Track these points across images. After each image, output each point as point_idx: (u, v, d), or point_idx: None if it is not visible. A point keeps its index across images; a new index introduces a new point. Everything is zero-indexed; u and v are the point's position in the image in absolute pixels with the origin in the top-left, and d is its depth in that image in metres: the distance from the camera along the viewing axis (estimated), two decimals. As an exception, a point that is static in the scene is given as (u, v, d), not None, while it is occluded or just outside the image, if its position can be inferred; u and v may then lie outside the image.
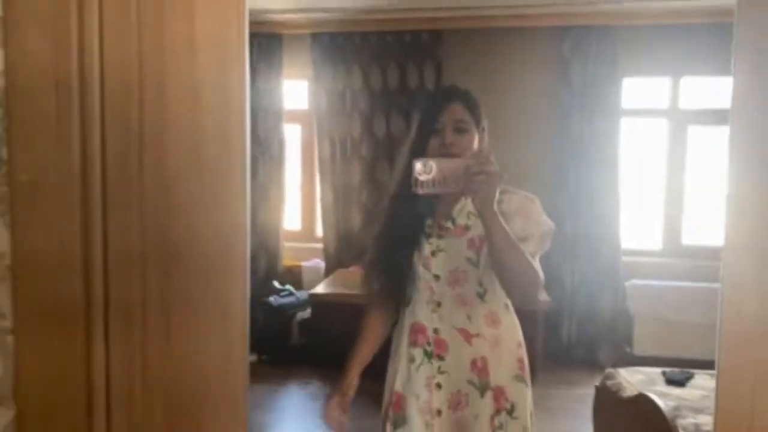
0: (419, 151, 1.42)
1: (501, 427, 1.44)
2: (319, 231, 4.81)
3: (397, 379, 1.48)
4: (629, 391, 2.39)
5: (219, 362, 0.73)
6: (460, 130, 1.42)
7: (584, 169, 4.40)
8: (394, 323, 1.58)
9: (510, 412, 1.45)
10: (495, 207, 1.28)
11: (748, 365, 0.74)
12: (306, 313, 4.33)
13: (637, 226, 4.60)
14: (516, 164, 4.05)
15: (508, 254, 1.31)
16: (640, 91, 4.53)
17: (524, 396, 1.47)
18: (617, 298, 4.41)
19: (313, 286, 4.20)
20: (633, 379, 2.52)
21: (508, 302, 1.48)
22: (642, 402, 2.21)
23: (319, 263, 4.71)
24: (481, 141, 1.46)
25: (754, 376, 0.74)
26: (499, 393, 1.45)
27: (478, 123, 1.46)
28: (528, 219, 1.44)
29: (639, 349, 4.38)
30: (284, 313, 4.17)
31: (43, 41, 0.69)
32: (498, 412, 1.45)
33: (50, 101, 0.69)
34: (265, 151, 4.66)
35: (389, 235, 1.47)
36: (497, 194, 1.28)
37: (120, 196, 0.71)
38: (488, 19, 4.26)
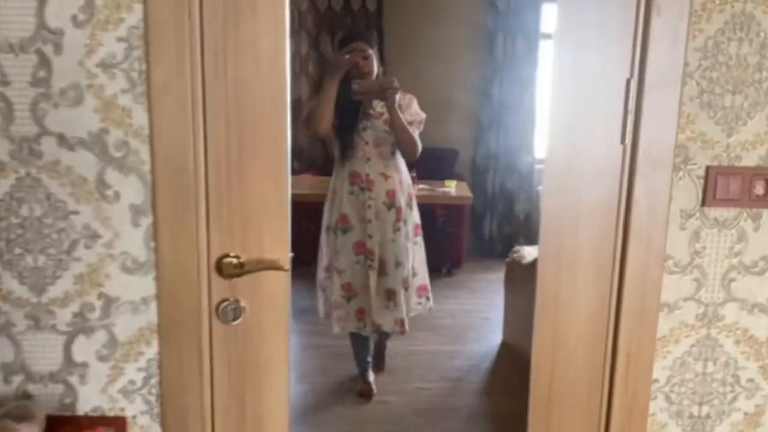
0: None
1: (398, 230, 2.82)
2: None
3: (343, 204, 2.77)
4: (529, 259, 3.13)
5: (273, 186, 1.32)
6: (365, 57, 2.68)
7: (506, 88, 5.09)
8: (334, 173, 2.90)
9: (405, 222, 2.83)
10: (396, 105, 2.66)
11: (559, 232, 1.37)
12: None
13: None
14: (444, 80, 4.71)
15: (402, 131, 2.71)
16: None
17: (410, 214, 2.85)
18: (530, 201, 5.20)
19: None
20: (534, 252, 3.27)
21: (403, 161, 2.87)
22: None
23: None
24: (378, 65, 2.75)
25: (561, 238, 1.36)
26: (398, 210, 2.80)
27: (372, 46, 2.76)
28: (413, 110, 2.75)
29: (547, 241, 5.16)
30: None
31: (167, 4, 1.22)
32: (398, 220, 2.81)
33: (171, 36, 1.24)
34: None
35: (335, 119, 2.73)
36: (397, 98, 2.63)
37: (213, 95, 1.28)
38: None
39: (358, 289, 2.76)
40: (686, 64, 1.30)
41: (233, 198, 1.38)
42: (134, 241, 1.38)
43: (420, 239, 2.86)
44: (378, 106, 2.69)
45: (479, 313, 4.08)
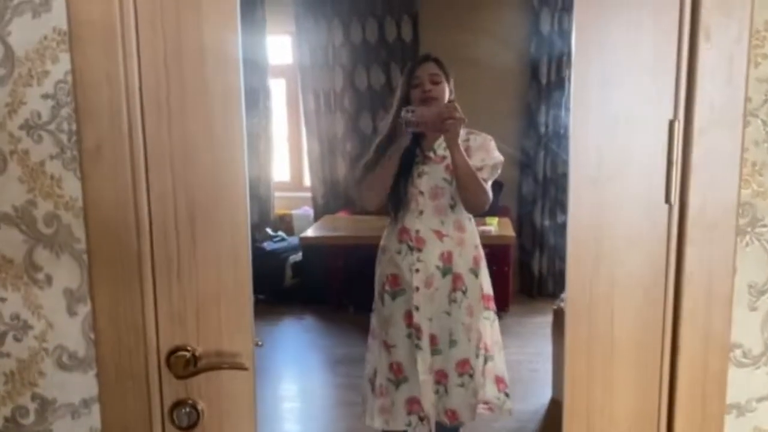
0: (407, 99, 2.13)
1: (455, 301, 2.21)
2: (307, 181, 5.13)
3: (391, 266, 2.22)
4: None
5: (231, 262, 1.10)
6: (435, 81, 2.12)
7: (553, 113, 4.70)
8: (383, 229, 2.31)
9: (464, 292, 2.21)
10: (459, 141, 2.04)
11: (586, 269, 1.09)
12: (298, 256, 4.71)
13: (602, 167, 4.93)
14: (489, 109, 4.42)
15: (465, 176, 2.07)
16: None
17: (475, 283, 2.25)
18: (584, 234, 4.77)
19: (304, 232, 4.56)
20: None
21: (471, 216, 2.23)
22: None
23: (308, 210, 5.08)
24: (451, 93, 2.17)
25: (590, 275, 1.08)
26: (457, 278, 2.20)
27: (447, 78, 2.16)
28: (486, 153, 2.17)
29: (603, 278, 4.75)
30: (278, 256, 4.56)
31: (97, 48, 1.01)
32: (454, 290, 2.20)
33: (104, 89, 1.02)
34: (253, 106, 4.94)
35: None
36: (462, 133, 2.03)
37: (156, 153, 1.07)
38: (461, -27, 4.51)
39: (409, 372, 2.17)
40: (748, 100, 1.00)
41: (185, 280, 1.15)
42: (71, 333, 1.17)
43: (492, 314, 2.26)
44: (440, 148, 2.13)
45: (527, 364, 3.72)
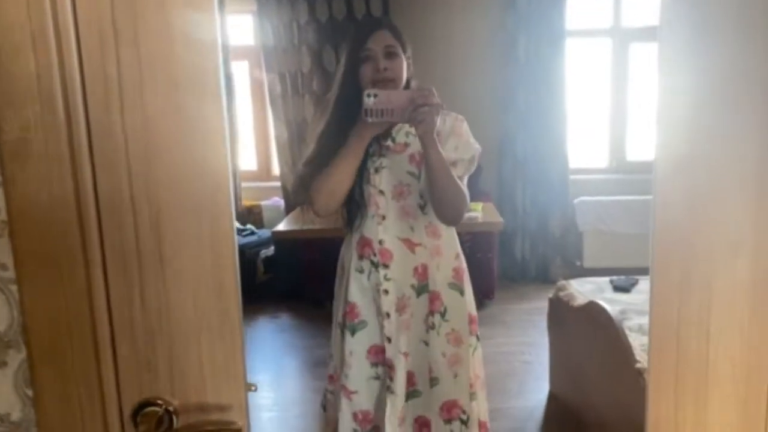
0: (353, 79, 1.56)
1: (433, 327, 1.66)
2: (276, 169, 4.81)
3: (350, 290, 1.65)
4: (580, 300, 2.58)
5: (212, 288, 0.80)
6: (391, 54, 1.54)
7: (531, 91, 4.54)
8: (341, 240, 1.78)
9: (443, 314, 1.65)
10: (435, 135, 1.47)
11: (675, 267, 0.85)
12: (269, 251, 4.42)
13: (583, 145, 4.77)
14: (464, 88, 4.19)
15: (443, 178, 1.51)
16: (583, 11, 4.59)
17: (458, 302, 1.68)
18: (566, 216, 4.65)
19: (274, 224, 4.29)
20: (583, 289, 2.71)
21: None
22: (592, 309, 2.41)
23: (279, 201, 4.77)
24: (408, 68, 1.60)
25: (680, 276, 0.85)
26: (434, 297, 1.65)
27: (405, 50, 1.59)
28: (459, 138, 1.62)
29: (588, 262, 4.66)
30: (247, 251, 4.24)
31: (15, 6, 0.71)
32: (432, 313, 1.66)
33: (29, 59, 0.72)
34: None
35: (328, 158, 1.57)
36: (437, 123, 1.45)
37: (105, 145, 0.77)
38: (432, -56, 4.22)
39: (379, 421, 1.64)
40: None
41: (151, 311, 0.86)
42: (0, 390, 0.86)
43: (475, 341, 1.70)
44: (400, 133, 1.61)
45: (519, 356, 3.51)
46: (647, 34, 4.70)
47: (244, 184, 4.83)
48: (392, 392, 1.60)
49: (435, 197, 1.54)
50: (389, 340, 1.61)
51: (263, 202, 4.85)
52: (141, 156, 0.82)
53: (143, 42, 0.80)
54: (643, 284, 2.97)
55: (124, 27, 0.80)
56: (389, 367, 1.60)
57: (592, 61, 4.87)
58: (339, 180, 1.52)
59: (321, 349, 3.73)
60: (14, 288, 0.83)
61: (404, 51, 1.56)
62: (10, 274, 0.83)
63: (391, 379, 1.60)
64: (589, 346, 2.55)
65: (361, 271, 1.63)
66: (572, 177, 4.74)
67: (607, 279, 3.00)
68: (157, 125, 0.82)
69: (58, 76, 0.80)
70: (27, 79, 0.79)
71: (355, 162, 1.52)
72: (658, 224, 0.85)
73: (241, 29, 4.85)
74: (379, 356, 1.63)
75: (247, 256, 4.37)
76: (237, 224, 4.58)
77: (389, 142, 1.61)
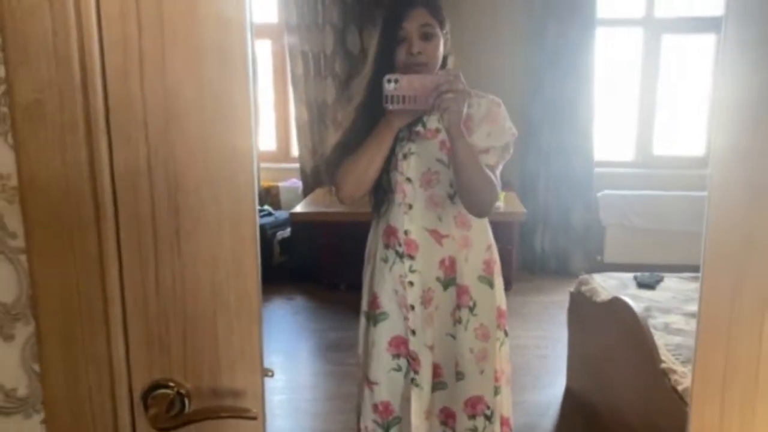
0: (386, 62, 1.47)
1: (460, 321, 1.59)
2: (295, 151, 4.77)
3: (374, 279, 1.61)
4: (603, 296, 2.51)
5: (230, 267, 0.76)
6: (427, 35, 1.45)
7: (558, 80, 4.44)
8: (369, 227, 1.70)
9: (471, 309, 1.58)
10: (462, 125, 1.39)
11: (729, 269, 0.79)
12: (286, 232, 4.39)
13: (609, 137, 4.67)
14: (490, 74, 4.11)
15: (470, 171, 1.44)
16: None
17: (487, 296, 1.61)
18: (589, 209, 4.57)
19: (291, 205, 4.25)
20: (606, 284, 2.64)
21: None
22: (616, 305, 2.34)
23: (297, 183, 4.74)
24: (445, 45, 1.52)
25: (735, 278, 0.79)
26: (462, 290, 1.59)
27: (443, 27, 1.50)
28: (494, 124, 1.54)
29: (609, 257, 4.58)
30: (264, 232, 4.24)
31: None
32: (459, 307, 1.59)
33: (45, 17, 0.67)
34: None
35: (357, 143, 1.51)
36: (465, 111, 1.38)
37: (122, 112, 0.71)
38: (463, -75, 4.13)
39: (401, 412, 1.61)
40: None
41: (166, 289, 0.81)
42: (6, 364, 0.83)
43: (503, 335, 1.65)
44: (432, 119, 1.52)
45: (536, 350, 3.46)
46: (680, 25, 4.57)
47: (262, 165, 4.79)
48: (417, 385, 1.56)
49: (462, 189, 1.47)
50: (413, 332, 1.56)
51: (281, 183, 4.81)
52: (160, 127, 0.77)
53: (167, 7, 0.75)
54: (668, 281, 2.89)
55: (146, -16, 0.75)
56: (413, 359, 1.56)
57: (623, 51, 4.75)
58: (365, 168, 1.46)
59: (334, 333, 3.70)
60: (23, 258, 0.79)
61: (442, 29, 1.48)
62: (20, 242, 0.79)
63: (416, 372, 1.56)
64: (611, 343, 2.48)
65: (386, 261, 1.58)
66: (597, 170, 4.64)
67: (631, 275, 2.93)
68: (177, 96, 0.77)
69: (76, 36, 0.75)
70: (43, 38, 0.75)
71: (383, 150, 1.46)
72: (712, 220, 0.78)
73: (264, 6, 4.79)
74: (401, 348, 1.58)
75: (264, 237, 4.34)
76: (254, 204, 4.55)
77: (419, 128, 1.53)
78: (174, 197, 0.80)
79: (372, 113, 1.46)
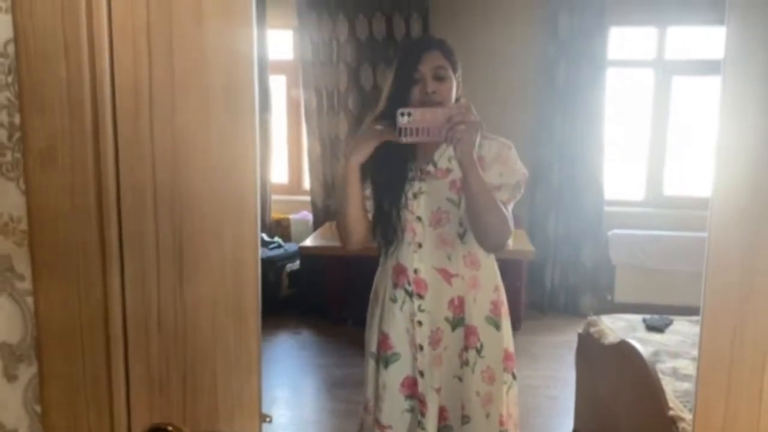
0: (400, 100, 1.49)
1: (467, 363, 1.58)
2: (307, 184, 4.81)
3: (384, 319, 1.60)
4: (611, 338, 2.48)
5: (231, 312, 0.77)
6: (440, 77, 1.49)
7: (569, 119, 4.47)
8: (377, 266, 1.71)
9: (479, 351, 1.57)
10: (474, 156, 1.41)
11: (730, 311, 0.79)
12: (295, 265, 4.40)
13: (620, 177, 4.68)
14: (501, 114, 4.14)
15: (483, 203, 1.44)
16: (626, 41, 4.52)
17: (494, 338, 1.60)
18: (599, 248, 4.55)
19: (302, 237, 4.27)
20: (615, 326, 2.62)
21: None
22: (623, 348, 2.31)
23: (307, 215, 4.76)
24: (458, 88, 1.55)
25: (736, 320, 0.79)
26: (470, 331, 1.57)
27: (455, 70, 1.54)
28: (505, 165, 1.55)
29: (620, 296, 4.54)
30: (273, 264, 4.24)
31: (51, 5, 0.69)
32: (467, 348, 1.58)
33: (61, 66, 0.70)
34: (251, 103, 4.59)
35: (371, 181, 1.57)
36: (477, 143, 1.40)
37: (132, 156, 0.74)
38: (476, -32, 4.21)
39: None
40: None
41: (168, 333, 0.82)
42: (9, 404, 0.84)
43: (511, 378, 1.62)
44: (443, 158, 1.53)
45: (545, 390, 3.41)
46: (691, 67, 4.60)
47: (274, 197, 4.83)
48: (424, 429, 1.54)
49: (474, 221, 1.46)
50: (422, 374, 1.55)
51: (292, 216, 4.84)
52: (168, 170, 0.79)
53: (177, 54, 0.77)
54: (678, 325, 2.86)
55: (158, 38, 0.77)
56: (421, 402, 1.55)
57: (633, 92, 4.78)
58: (348, 214, 1.50)
59: (340, 369, 3.68)
60: (30, 300, 0.80)
61: (454, 71, 1.51)
62: (27, 285, 0.80)
63: (423, 414, 1.54)
64: (618, 387, 2.45)
65: (395, 300, 1.57)
66: (607, 208, 4.64)
67: (639, 317, 2.90)
68: (186, 139, 0.79)
69: (89, 84, 0.77)
70: (57, 87, 0.77)
71: (353, 191, 1.48)
72: (711, 264, 0.79)
73: (281, 44, 4.89)
74: (412, 388, 1.57)
75: (273, 269, 4.35)
76: (264, 237, 4.57)
77: (430, 167, 1.54)
78: (178, 240, 0.81)
79: (386, 149, 1.48)
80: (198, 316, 0.82)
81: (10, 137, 0.78)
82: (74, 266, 0.80)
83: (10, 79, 0.77)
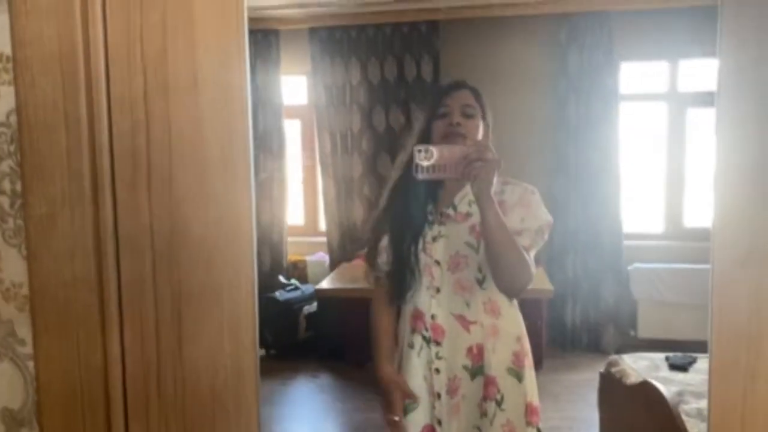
0: (426, 136, 1.50)
1: (486, 414, 1.52)
2: (323, 225, 4.83)
3: (402, 366, 1.58)
4: (633, 378, 2.43)
5: (230, 375, 0.76)
6: (468, 114, 1.49)
7: (583, 155, 4.46)
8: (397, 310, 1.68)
9: (499, 403, 1.51)
10: (492, 194, 1.37)
11: (740, 347, 0.77)
12: (312, 307, 4.39)
13: (638, 210, 4.66)
14: (515, 152, 4.14)
15: (501, 241, 1.39)
16: (638, 75, 4.53)
17: (516, 391, 1.53)
18: (620, 283, 4.48)
19: (318, 279, 4.26)
20: (637, 366, 2.56)
21: None
22: (646, 389, 2.26)
23: (324, 257, 4.76)
24: (487, 133, 1.55)
25: (746, 357, 0.77)
26: (489, 381, 1.52)
27: (483, 114, 1.54)
28: (527, 210, 1.51)
29: (643, 332, 4.45)
30: (290, 307, 4.23)
31: (52, 78, 0.71)
32: (485, 399, 1.52)
33: (61, 135, 0.72)
34: (266, 146, 4.67)
35: (390, 222, 1.56)
36: (495, 181, 1.36)
37: (130, 222, 0.74)
38: (485, 9, 4.31)
39: None
40: None
41: (167, 396, 0.82)
42: (10, 469, 0.84)
43: None
44: (463, 202, 1.51)
45: (568, 431, 3.33)
46: (704, 99, 4.58)
47: (290, 239, 4.85)
48: None
49: (492, 262, 1.40)
50: (440, 422, 1.51)
51: (308, 257, 4.85)
52: (166, 237, 0.80)
53: (175, 123, 0.79)
54: (701, 363, 2.78)
55: (156, 107, 0.79)
56: None
57: (648, 125, 4.76)
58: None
59: (359, 414, 3.63)
60: (31, 364, 0.81)
61: (483, 116, 1.51)
62: (29, 349, 0.81)
63: None
64: (641, 428, 2.38)
65: (412, 347, 1.53)
66: (626, 242, 4.58)
67: (662, 355, 2.83)
68: (183, 205, 0.80)
69: (88, 152, 0.80)
70: (58, 155, 0.79)
71: (390, 319, 1.62)
72: (716, 322, 0.77)
73: (296, 89, 4.98)
74: None
75: (290, 312, 4.34)
76: (281, 278, 4.58)
77: (450, 210, 1.51)
78: (177, 304, 0.82)
79: (408, 189, 1.50)
80: (197, 377, 0.83)
81: (12, 204, 0.80)
82: (74, 331, 0.81)
83: (12, 148, 0.79)
